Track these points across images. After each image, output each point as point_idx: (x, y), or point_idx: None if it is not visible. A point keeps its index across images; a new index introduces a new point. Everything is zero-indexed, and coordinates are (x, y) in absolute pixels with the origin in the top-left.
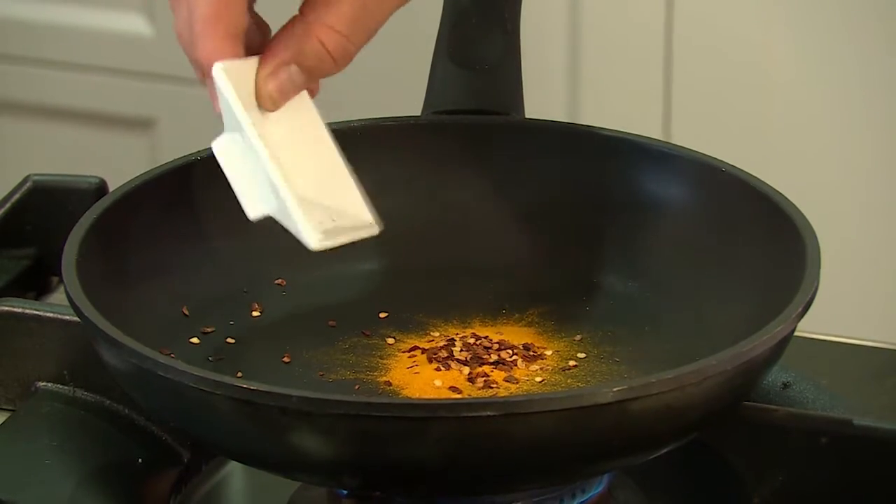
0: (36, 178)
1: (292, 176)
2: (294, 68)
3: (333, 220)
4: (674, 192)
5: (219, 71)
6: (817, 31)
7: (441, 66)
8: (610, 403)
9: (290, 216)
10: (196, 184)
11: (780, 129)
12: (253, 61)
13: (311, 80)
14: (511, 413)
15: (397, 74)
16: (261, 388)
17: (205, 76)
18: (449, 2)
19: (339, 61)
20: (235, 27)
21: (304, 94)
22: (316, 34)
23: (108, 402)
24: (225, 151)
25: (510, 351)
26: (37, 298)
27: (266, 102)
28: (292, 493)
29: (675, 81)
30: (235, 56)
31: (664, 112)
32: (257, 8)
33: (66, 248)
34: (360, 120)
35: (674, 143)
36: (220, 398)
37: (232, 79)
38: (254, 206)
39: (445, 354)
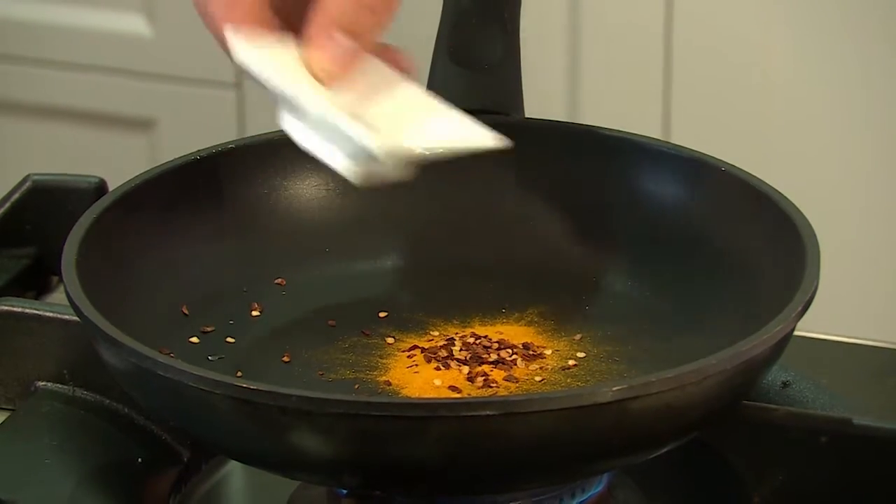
0: (36, 177)
1: (359, 110)
2: (338, 35)
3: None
4: (673, 191)
5: (236, 46)
6: (816, 30)
7: (441, 66)
8: (609, 403)
9: (345, 133)
10: (196, 183)
11: (780, 128)
12: (281, 40)
13: (362, 40)
14: (511, 412)
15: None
16: (260, 388)
17: (214, 31)
18: (449, 2)
19: (380, 11)
20: None
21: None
22: None
23: (107, 401)
24: (292, 127)
25: (510, 350)
26: (36, 298)
27: (327, 78)
28: (292, 492)
29: (674, 81)
30: (253, 13)
31: (664, 112)
32: None
33: (66, 247)
34: None
35: (673, 142)
36: (219, 397)
37: (251, 46)
38: (345, 166)
39: (445, 354)
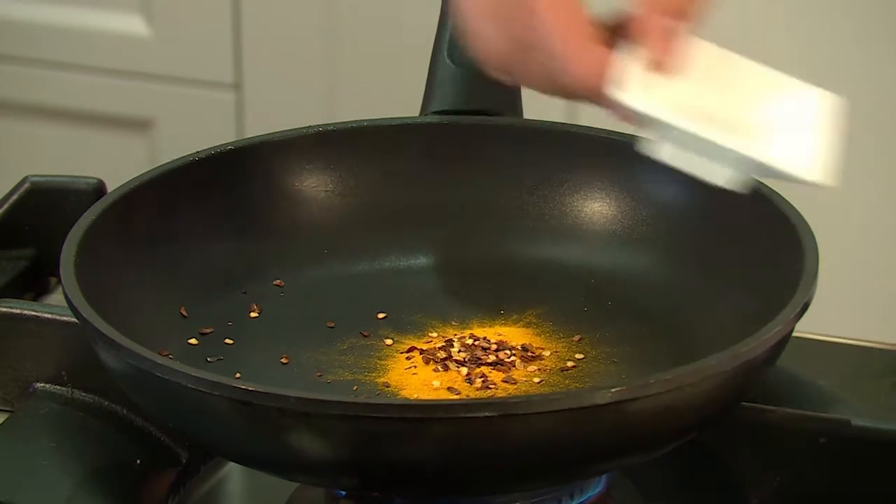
0: (34, 178)
1: (734, 123)
2: (672, 24)
3: (801, 131)
4: (672, 192)
5: (621, 95)
6: (816, 31)
7: (440, 67)
8: (608, 404)
9: (772, 167)
10: (194, 184)
11: None
12: (629, 55)
13: (690, 21)
14: (509, 414)
15: (397, 74)
16: (259, 389)
17: (596, 98)
18: (448, 2)
19: None
20: (589, 30)
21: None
22: None
23: (106, 402)
24: (673, 157)
25: (508, 352)
26: (35, 299)
27: (672, 71)
28: (290, 493)
29: None
30: (606, 54)
31: None
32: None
33: (65, 248)
34: (360, 120)
35: None
36: (218, 399)
37: (632, 89)
38: (728, 179)
39: (444, 355)
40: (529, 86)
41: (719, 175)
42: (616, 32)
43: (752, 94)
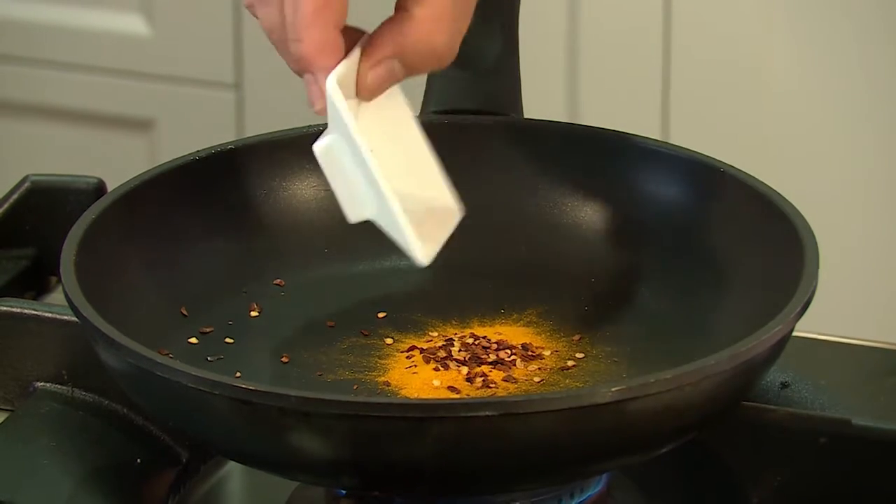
0: (34, 178)
1: (391, 175)
2: (396, 63)
3: (428, 218)
4: (672, 192)
5: (332, 82)
6: (815, 31)
7: None
8: (608, 403)
9: (398, 228)
10: (194, 184)
11: (778, 129)
12: (352, 57)
13: (411, 75)
14: (509, 413)
15: None
16: (259, 389)
17: (304, 70)
18: None
19: (445, 59)
20: (340, 19)
21: (396, 85)
22: (422, 30)
23: (106, 402)
24: (326, 154)
25: (509, 351)
26: (35, 298)
27: (363, 92)
28: (290, 493)
29: (672, 82)
30: (340, 49)
31: (662, 112)
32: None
33: (65, 247)
34: None
35: (672, 143)
36: (218, 398)
37: (341, 86)
38: (354, 210)
39: (444, 354)
40: (263, 26)
41: (350, 201)
42: (353, 41)
43: (414, 164)
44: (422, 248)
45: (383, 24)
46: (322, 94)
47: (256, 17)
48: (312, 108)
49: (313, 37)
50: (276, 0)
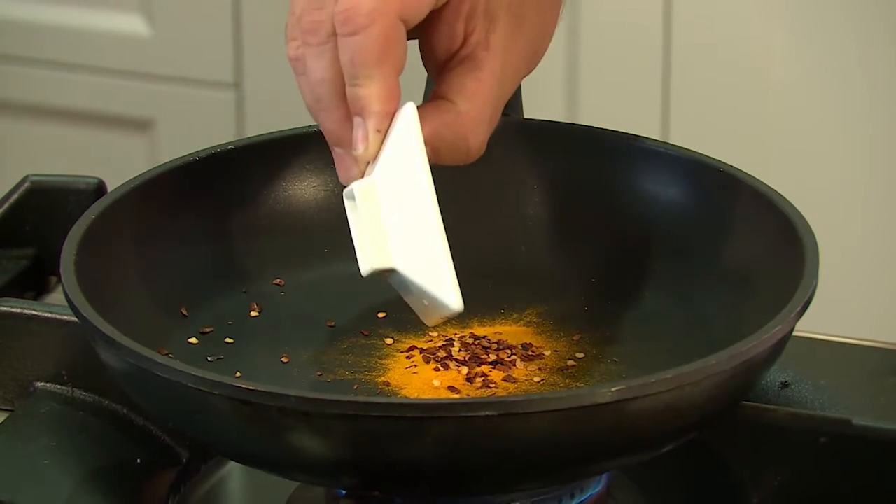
0: (34, 178)
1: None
2: (427, 148)
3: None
4: (672, 192)
5: (411, 110)
6: (816, 30)
7: None
8: (608, 403)
9: (437, 277)
10: (194, 184)
11: (779, 128)
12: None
13: (435, 162)
14: (509, 413)
15: None
16: (259, 388)
17: (358, 114)
18: None
19: (473, 158)
20: (401, 65)
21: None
22: (464, 126)
23: (106, 402)
24: (366, 196)
25: (508, 351)
26: (35, 298)
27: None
28: (291, 493)
29: (673, 82)
30: (399, 95)
31: (662, 112)
32: None
33: (65, 248)
34: None
35: (672, 143)
36: (218, 398)
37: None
38: (375, 259)
39: (444, 354)
40: (311, 78)
41: (373, 249)
42: None
43: (421, 225)
44: (458, 295)
45: (425, 107)
46: (365, 137)
47: (300, 72)
48: (344, 176)
49: (381, 88)
50: (326, 54)
